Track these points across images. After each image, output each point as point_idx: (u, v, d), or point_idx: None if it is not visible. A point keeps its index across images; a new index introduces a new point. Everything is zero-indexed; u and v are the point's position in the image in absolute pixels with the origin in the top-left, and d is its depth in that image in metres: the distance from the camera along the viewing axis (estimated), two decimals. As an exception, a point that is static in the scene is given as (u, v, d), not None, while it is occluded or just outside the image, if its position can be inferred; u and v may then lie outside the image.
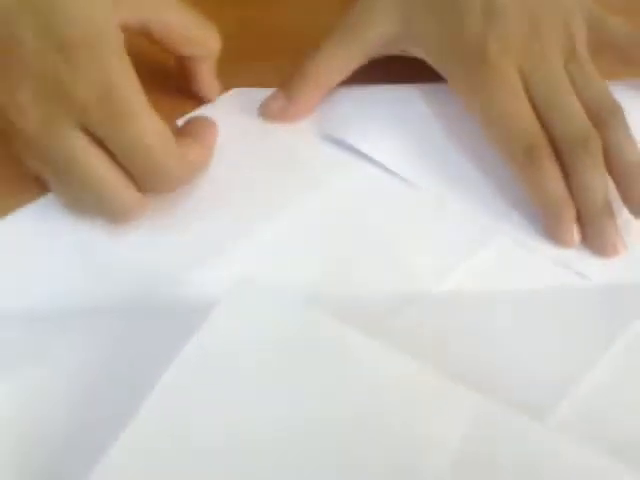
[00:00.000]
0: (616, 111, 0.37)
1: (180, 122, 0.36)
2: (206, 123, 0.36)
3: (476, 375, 0.30)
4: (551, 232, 0.37)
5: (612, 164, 0.36)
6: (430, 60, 0.40)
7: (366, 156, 0.39)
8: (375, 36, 0.40)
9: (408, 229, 0.37)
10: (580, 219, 0.36)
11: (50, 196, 0.36)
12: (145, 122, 0.31)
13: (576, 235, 0.36)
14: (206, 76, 0.40)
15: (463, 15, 0.38)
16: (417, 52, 0.40)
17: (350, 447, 0.27)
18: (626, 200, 0.37)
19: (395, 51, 0.40)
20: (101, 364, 0.31)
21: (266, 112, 0.41)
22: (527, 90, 0.37)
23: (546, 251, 0.36)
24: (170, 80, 0.41)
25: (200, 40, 0.38)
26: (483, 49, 0.37)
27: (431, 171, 0.39)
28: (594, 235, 0.36)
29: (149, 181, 0.32)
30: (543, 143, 0.36)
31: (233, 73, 0.41)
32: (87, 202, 0.33)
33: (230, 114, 0.40)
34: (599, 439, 0.29)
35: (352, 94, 0.42)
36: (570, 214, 0.36)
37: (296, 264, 0.35)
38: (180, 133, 0.34)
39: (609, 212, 0.36)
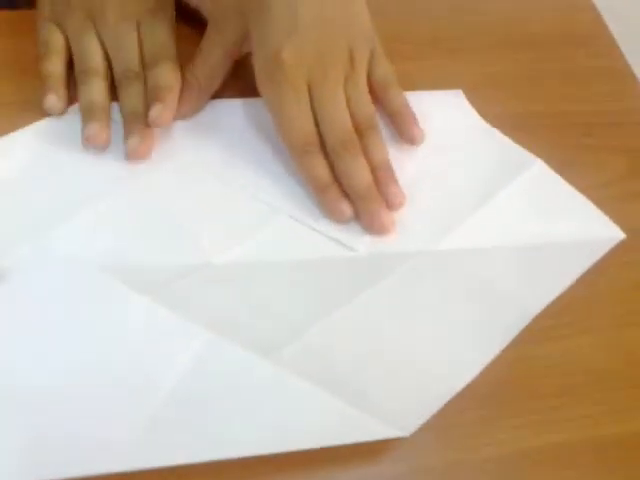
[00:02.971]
0: (374, 125, 0.45)
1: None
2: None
3: (233, 323, 0.38)
4: (322, 210, 0.44)
5: (368, 164, 0.44)
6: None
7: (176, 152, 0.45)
8: (230, 38, 0.46)
9: (198, 211, 0.43)
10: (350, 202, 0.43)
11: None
12: None
13: (345, 212, 0.43)
14: None
15: (271, 28, 0.44)
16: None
17: (104, 367, 0.36)
18: (379, 190, 0.44)
19: (246, 50, 0.47)
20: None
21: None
22: (311, 100, 0.44)
23: (322, 229, 0.43)
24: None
25: None
26: (279, 58, 0.43)
27: (231, 167, 0.45)
28: (360, 215, 0.43)
29: None
30: (315, 141, 0.44)
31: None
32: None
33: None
34: (311, 367, 0.37)
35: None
36: (333, 194, 0.43)
37: (100, 240, 0.41)
38: None
39: (371, 195, 0.43)
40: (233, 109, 0.48)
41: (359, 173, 0.43)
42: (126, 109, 0.45)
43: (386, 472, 0.37)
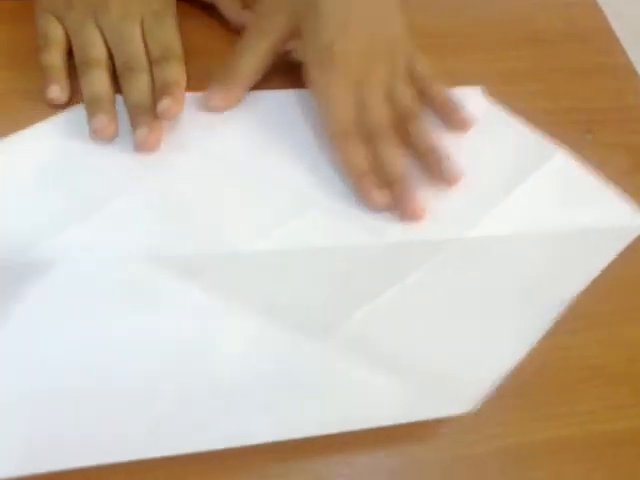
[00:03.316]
0: (419, 113, 0.47)
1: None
2: None
3: (273, 310, 0.38)
4: (358, 197, 0.44)
5: (416, 149, 0.46)
6: (300, 56, 0.47)
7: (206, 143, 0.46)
8: (276, 33, 0.47)
9: (231, 200, 0.43)
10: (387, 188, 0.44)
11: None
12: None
13: (380, 200, 0.43)
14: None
15: (324, 23, 0.46)
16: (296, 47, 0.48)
17: (153, 355, 0.36)
18: (431, 175, 0.45)
19: (289, 47, 0.48)
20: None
21: (207, 106, 0.47)
22: (356, 92, 0.46)
23: (354, 217, 0.44)
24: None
25: None
26: (332, 50, 0.45)
27: (266, 159, 0.46)
28: (394, 200, 0.44)
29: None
30: (357, 129, 0.45)
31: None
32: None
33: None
34: (362, 351, 0.38)
35: None
36: (369, 182, 0.44)
37: (135, 231, 0.41)
38: None
39: (406, 181, 0.44)
40: (265, 100, 0.48)
41: (396, 158, 0.45)
42: (131, 101, 0.44)
43: (387, 465, 0.37)
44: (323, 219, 0.43)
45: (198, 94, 0.47)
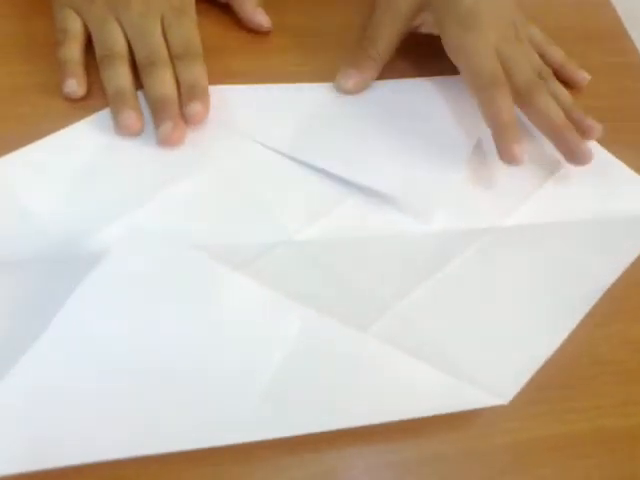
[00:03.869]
0: (552, 74, 0.50)
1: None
2: None
3: (319, 299, 0.39)
4: (498, 146, 0.45)
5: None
6: (434, 24, 0.49)
7: (251, 138, 0.46)
8: (407, 10, 0.49)
9: (274, 190, 0.44)
10: (549, 138, 0.47)
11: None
12: None
13: (518, 154, 0.44)
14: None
15: None
16: (430, 18, 0.49)
17: (207, 352, 0.36)
18: (577, 126, 0.46)
19: (418, 22, 0.50)
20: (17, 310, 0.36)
21: (343, 88, 0.49)
22: (498, 53, 0.47)
23: (394, 204, 0.44)
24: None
25: None
26: (475, 9, 0.47)
27: (308, 149, 0.46)
28: (561, 146, 0.46)
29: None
30: (504, 79, 0.46)
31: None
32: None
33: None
34: (404, 341, 0.38)
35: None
36: (511, 134, 0.44)
37: (184, 221, 0.42)
38: None
39: (570, 125, 0.46)
40: (307, 91, 0.49)
41: (555, 107, 0.46)
42: (154, 95, 0.45)
43: (400, 458, 0.37)
44: (362, 209, 0.44)
45: (243, 87, 0.48)
